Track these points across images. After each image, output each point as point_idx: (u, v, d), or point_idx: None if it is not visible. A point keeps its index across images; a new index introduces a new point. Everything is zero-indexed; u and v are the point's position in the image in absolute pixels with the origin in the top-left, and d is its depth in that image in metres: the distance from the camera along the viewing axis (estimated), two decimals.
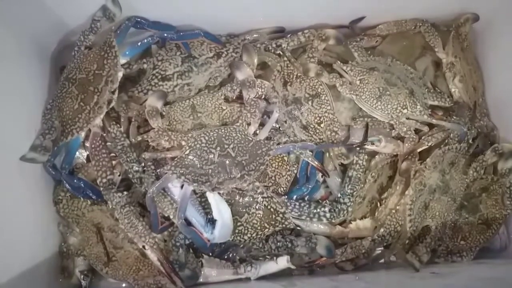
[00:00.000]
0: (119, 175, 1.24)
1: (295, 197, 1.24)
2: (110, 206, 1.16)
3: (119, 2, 1.23)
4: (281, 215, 1.19)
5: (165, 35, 1.28)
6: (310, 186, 1.24)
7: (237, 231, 1.18)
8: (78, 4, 1.23)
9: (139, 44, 1.28)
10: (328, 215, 1.22)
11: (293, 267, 1.21)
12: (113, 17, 1.24)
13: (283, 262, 1.20)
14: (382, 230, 1.21)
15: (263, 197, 1.19)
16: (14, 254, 1.08)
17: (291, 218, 1.20)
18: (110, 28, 1.26)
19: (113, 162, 1.24)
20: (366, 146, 1.26)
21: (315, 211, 1.22)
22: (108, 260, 1.19)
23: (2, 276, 1.02)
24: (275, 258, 1.20)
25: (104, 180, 1.18)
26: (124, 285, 1.27)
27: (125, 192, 1.18)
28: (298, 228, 1.26)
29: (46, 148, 1.17)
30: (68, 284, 1.24)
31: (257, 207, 1.18)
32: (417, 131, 1.29)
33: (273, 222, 1.19)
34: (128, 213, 1.14)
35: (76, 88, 1.21)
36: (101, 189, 1.18)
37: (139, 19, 1.27)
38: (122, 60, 1.24)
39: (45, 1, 1.18)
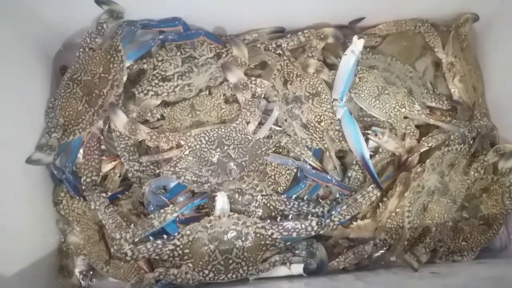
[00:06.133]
0: (119, 176, 1.26)
1: (294, 196, 1.24)
2: (93, 207, 1.15)
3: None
4: (269, 239, 1.12)
5: (169, 37, 1.29)
6: (307, 182, 1.24)
7: (230, 267, 1.10)
8: (79, 5, 1.24)
9: (141, 47, 1.29)
10: (315, 228, 1.15)
11: (305, 275, 1.18)
12: (121, 16, 1.26)
13: (297, 269, 1.17)
14: (383, 235, 1.21)
15: (262, 195, 1.18)
16: (13, 254, 1.09)
17: (279, 238, 1.13)
18: (114, 30, 1.27)
19: (114, 163, 1.25)
20: (369, 137, 1.25)
21: (304, 225, 1.15)
22: (110, 258, 1.20)
23: (2, 275, 1.03)
24: (288, 263, 1.16)
25: (88, 180, 1.19)
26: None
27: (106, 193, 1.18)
28: None
29: (52, 147, 1.18)
30: (67, 283, 1.25)
31: (243, 238, 1.10)
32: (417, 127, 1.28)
33: (264, 248, 1.13)
34: (113, 213, 1.13)
35: (81, 89, 1.22)
36: (84, 188, 1.18)
37: (145, 22, 1.28)
38: (126, 64, 1.25)
39: (46, 2, 1.20)
